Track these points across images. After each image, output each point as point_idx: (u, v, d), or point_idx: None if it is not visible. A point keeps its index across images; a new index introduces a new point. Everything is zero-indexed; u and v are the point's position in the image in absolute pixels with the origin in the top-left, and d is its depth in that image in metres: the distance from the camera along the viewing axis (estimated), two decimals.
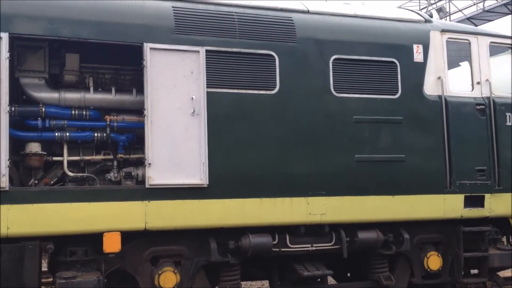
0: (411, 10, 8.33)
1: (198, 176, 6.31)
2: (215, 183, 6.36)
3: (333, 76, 6.96)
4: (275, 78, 6.71)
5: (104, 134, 6.54)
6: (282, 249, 6.75)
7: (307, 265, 6.96)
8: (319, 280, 7.23)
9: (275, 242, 6.68)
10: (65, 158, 6.43)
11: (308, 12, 7.16)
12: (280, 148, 6.66)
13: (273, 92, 6.70)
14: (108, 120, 6.54)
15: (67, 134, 6.40)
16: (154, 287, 6.30)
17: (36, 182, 6.33)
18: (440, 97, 7.45)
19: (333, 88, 6.95)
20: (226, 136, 6.45)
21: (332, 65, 6.97)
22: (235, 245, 6.57)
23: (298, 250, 6.83)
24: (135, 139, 6.71)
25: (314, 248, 6.88)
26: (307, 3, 7.26)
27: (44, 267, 6.86)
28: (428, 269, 7.50)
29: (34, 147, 6.24)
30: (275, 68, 6.72)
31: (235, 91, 6.54)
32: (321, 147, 6.82)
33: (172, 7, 6.50)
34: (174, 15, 6.44)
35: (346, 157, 6.91)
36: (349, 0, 7.81)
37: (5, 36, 5.74)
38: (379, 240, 7.09)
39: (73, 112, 6.46)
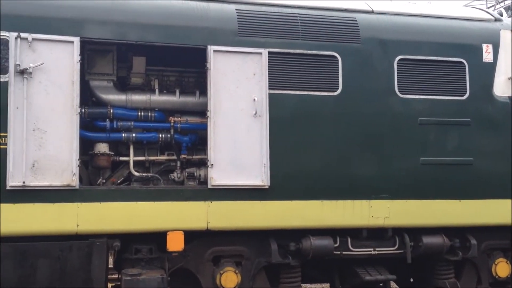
0: (480, 9, 8.03)
1: (260, 177, 6.33)
2: (277, 184, 6.36)
3: (397, 77, 6.82)
4: (338, 79, 6.64)
5: (168, 135, 6.67)
6: (343, 253, 6.67)
7: (369, 269, 6.84)
8: (381, 285, 7.09)
9: (336, 245, 6.62)
10: (131, 158, 6.60)
11: (372, 12, 7.05)
12: (342, 150, 6.59)
13: (335, 93, 6.63)
14: (172, 121, 6.67)
15: (133, 135, 6.57)
16: (216, 286, 6.38)
17: (104, 181, 6.53)
18: (511, 98, 7.15)
19: (398, 89, 6.81)
20: (288, 137, 6.44)
21: (397, 65, 6.83)
22: (296, 247, 6.55)
23: (360, 254, 6.73)
24: (197, 140, 6.81)
25: (376, 252, 6.75)
26: (371, 3, 7.14)
27: (110, 264, 7.08)
28: (496, 276, 7.23)
29: (103, 148, 6.45)
30: (338, 69, 6.65)
31: (297, 92, 6.52)
32: (385, 149, 6.70)
33: (236, 9, 6.56)
34: (238, 18, 6.50)
35: (411, 159, 6.75)
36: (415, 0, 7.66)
37: (76, 40, 5.97)
38: (445, 245, 6.88)
39: (139, 113, 6.63)
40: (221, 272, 6.39)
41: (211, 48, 6.32)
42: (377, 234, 6.78)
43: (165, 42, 6.28)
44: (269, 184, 6.34)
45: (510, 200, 7.03)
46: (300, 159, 6.46)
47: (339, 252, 6.64)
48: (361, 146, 6.65)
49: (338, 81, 6.64)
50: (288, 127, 6.45)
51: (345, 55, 6.67)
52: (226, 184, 6.27)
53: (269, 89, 6.43)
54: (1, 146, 5.67)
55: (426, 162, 6.79)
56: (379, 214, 6.63)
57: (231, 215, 6.28)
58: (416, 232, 6.87)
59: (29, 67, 5.77)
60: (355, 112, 6.66)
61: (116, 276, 7.53)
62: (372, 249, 6.74)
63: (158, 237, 6.18)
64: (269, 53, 6.45)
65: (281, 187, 6.38)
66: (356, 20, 6.86)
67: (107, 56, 6.58)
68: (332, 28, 6.72)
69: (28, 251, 5.74)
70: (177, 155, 6.77)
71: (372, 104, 6.71)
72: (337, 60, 6.65)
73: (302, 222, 6.44)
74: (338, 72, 6.65)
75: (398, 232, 6.85)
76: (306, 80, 6.56)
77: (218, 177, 6.26)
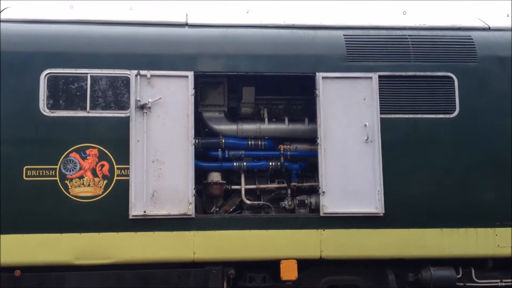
0: None
1: (373, 204, 6.16)
2: (392, 212, 6.15)
3: None
4: (454, 100, 6.36)
5: (278, 163, 6.70)
6: (467, 284, 6.28)
7: None
8: None
9: (459, 276, 6.25)
10: (243, 186, 6.69)
11: (489, 29, 6.71)
12: (461, 174, 6.25)
13: (452, 115, 6.34)
14: (282, 149, 6.69)
15: (244, 163, 6.67)
16: None
17: (217, 209, 6.67)
18: None
19: None
20: (402, 163, 6.23)
21: None
22: (415, 278, 6.27)
23: (486, 286, 6.28)
24: (307, 167, 6.78)
25: (503, 284, 6.27)
26: (487, 19, 6.80)
27: None
28: None
29: (215, 177, 6.60)
30: (454, 90, 6.37)
31: (411, 116, 6.32)
32: (509, 172, 6.25)
33: (344, 35, 6.53)
34: (346, 43, 6.45)
35: None
36: None
37: (190, 74, 6.21)
38: None
39: (249, 142, 6.74)
40: None
41: (319, 75, 6.31)
42: (504, 264, 6.31)
43: (274, 71, 6.37)
44: (383, 212, 6.14)
45: None
46: (416, 185, 6.22)
47: (462, 284, 6.26)
48: (482, 170, 6.27)
49: (455, 103, 6.36)
50: (402, 152, 6.25)
51: (461, 75, 6.38)
52: (339, 211, 6.17)
53: (381, 113, 6.28)
54: (124, 178, 6.00)
55: None
56: (506, 243, 6.18)
57: (344, 244, 6.15)
58: None
59: (148, 102, 6.08)
60: (474, 134, 6.32)
61: None
62: (498, 281, 6.29)
63: (271, 265, 6.17)
64: (380, 77, 6.33)
65: (396, 214, 6.16)
66: (471, 39, 6.55)
67: (218, 88, 6.78)
68: (446, 48, 6.48)
69: (149, 278, 5.97)
70: (287, 183, 6.77)
71: (492, 124, 6.34)
72: (453, 81, 6.38)
73: (420, 251, 6.16)
74: (454, 93, 6.37)
75: None
76: (420, 102, 6.35)
77: (330, 204, 6.17)
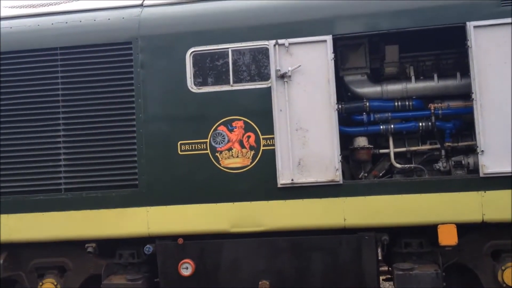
0: None
1: None
2: None
3: None
4: None
5: (429, 123, 6.31)
6: None
7: None
8: None
9: None
10: (392, 150, 6.43)
11: None
12: None
13: None
14: (432, 108, 6.29)
15: (392, 126, 6.39)
16: (497, 283, 5.81)
17: (366, 175, 6.50)
18: None
19: None
20: None
21: None
22: None
23: None
24: (462, 125, 6.30)
25: None
26: None
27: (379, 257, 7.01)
28: None
29: (362, 141, 6.42)
30: None
31: None
32: None
33: None
34: None
35: None
36: None
37: (328, 38, 6.07)
38: None
39: (396, 103, 6.42)
40: (503, 268, 5.79)
41: (470, 25, 5.78)
42: None
43: (419, 26, 5.95)
44: None
45: None
46: None
47: None
48: None
49: None
50: None
51: None
52: (501, 171, 5.68)
53: None
54: (270, 147, 6.10)
55: None
56: None
57: (509, 206, 5.63)
58: None
59: (288, 70, 6.06)
60: None
61: (385, 268, 7.45)
62: None
63: (428, 230, 5.90)
64: None
65: None
66: None
67: (358, 50, 6.53)
68: None
69: (303, 245, 6.05)
70: (440, 144, 6.37)
71: None
72: None
73: None
74: None
75: None
76: None
77: (490, 164, 5.71)
